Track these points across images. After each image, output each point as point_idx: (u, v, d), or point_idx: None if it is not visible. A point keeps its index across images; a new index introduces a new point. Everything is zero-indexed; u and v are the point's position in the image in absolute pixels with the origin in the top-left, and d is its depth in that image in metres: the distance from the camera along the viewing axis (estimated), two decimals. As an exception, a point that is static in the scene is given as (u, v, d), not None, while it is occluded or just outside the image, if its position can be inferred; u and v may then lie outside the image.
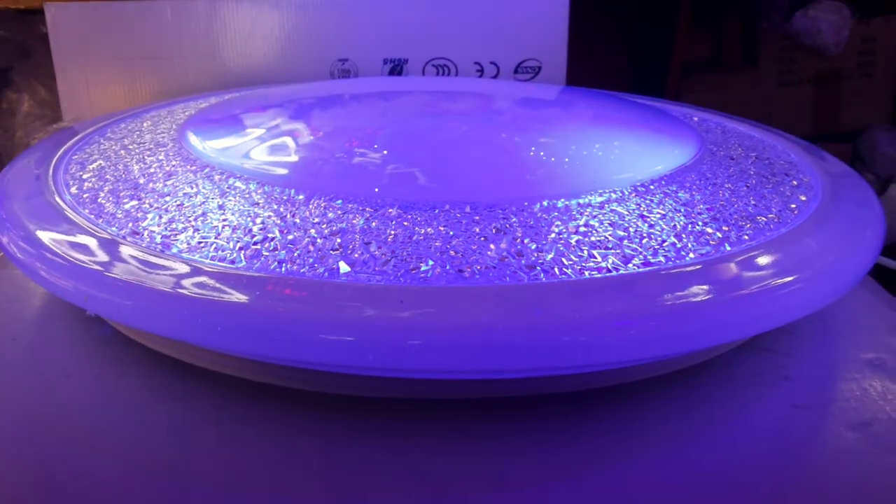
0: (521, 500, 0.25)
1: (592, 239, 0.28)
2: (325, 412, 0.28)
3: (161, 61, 0.62)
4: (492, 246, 0.27)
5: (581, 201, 0.30)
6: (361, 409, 0.28)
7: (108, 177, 0.35)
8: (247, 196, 0.31)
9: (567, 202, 0.30)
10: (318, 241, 0.28)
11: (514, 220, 0.29)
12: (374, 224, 0.29)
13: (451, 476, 0.26)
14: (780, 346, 0.33)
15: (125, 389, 0.30)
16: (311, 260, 0.27)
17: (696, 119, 0.47)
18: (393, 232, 0.28)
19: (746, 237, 0.30)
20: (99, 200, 0.33)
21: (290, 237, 0.28)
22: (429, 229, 0.28)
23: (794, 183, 0.36)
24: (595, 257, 0.27)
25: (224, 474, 0.26)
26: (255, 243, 0.28)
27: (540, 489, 0.25)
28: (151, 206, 0.31)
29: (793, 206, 0.33)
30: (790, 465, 0.27)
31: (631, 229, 0.29)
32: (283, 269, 0.26)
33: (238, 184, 0.32)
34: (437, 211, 0.29)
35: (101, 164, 0.37)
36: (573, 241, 0.28)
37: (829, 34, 1.01)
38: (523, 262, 0.27)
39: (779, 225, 0.31)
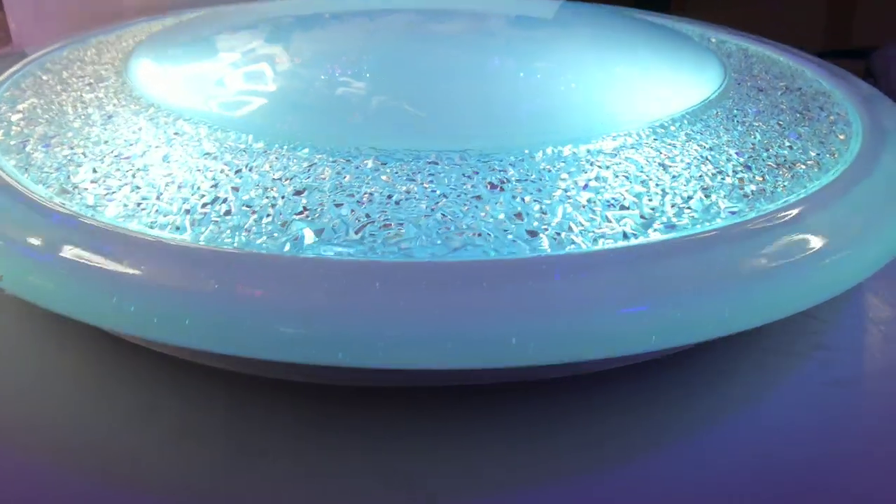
0: (523, 500, 0.21)
1: (606, 196, 0.24)
2: (293, 401, 0.24)
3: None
4: (486, 208, 0.23)
5: (591, 147, 0.26)
6: (333, 399, 0.25)
7: (40, 119, 0.30)
8: (196, 144, 0.26)
9: (575, 149, 0.26)
10: (279, 202, 0.23)
11: (513, 172, 0.24)
12: (346, 179, 0.24)
13: (439, 474, 0.22)
14: (813, 308, 0.29)
15: (63, 371, 0.26)
16: (269, 227, 0.22)
17: (713, 41, 0.42)
18: (369, 191, 0.23)
19: (783, 189, 0.25)
20: (27, 149, 0.28)
21: (246, 197, 0.23)
22: (412, 186, 0.24)
23: (831, 119, 0.32)
24: (609, 220, 0.23)
25: (178, 469, 0.22)
26: (204, 206, 0.23)
27: (548, 483, 0.22)
28: (86, 156, 0.27)
29: (833, 148, 0.29)
30: (829, 447, 0.23)
31: (651, 183, 0.25)
32: (236, 239, 0.22)
33: (186, 127, 0.27)
34: (421, 162, 0.25)
35: (33, 102, 0.32)
36: (583, 200, 0.23)
37: (846, -59, 0.93)
38: (524, 228, 0.22)
39: (819, 173, 0.27)
